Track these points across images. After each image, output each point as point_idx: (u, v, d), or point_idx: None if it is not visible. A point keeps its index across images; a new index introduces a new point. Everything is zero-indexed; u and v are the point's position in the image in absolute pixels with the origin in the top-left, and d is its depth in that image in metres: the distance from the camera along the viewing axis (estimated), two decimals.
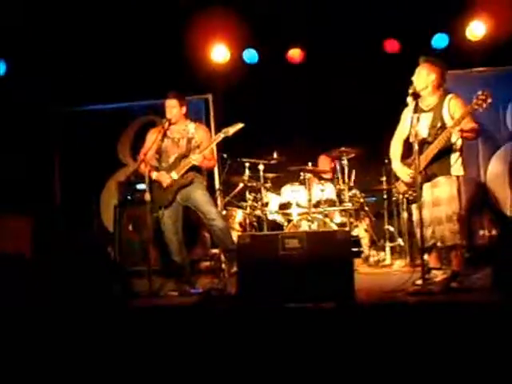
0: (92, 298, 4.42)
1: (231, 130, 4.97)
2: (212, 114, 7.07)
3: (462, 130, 4.30)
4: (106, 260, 5.30)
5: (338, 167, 6.49)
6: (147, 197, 4.87)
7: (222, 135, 5.01)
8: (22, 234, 6.03)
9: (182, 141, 5.10)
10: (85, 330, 3.82)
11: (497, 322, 3.51)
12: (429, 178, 4.47)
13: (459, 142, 4.47)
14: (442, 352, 3.32)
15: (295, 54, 6.92)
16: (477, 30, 6.46)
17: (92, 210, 6.87)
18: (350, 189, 6.33)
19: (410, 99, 4.44)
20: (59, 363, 3.50)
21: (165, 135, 5.08)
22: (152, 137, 5.11)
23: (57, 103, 7.05)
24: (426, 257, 4.51)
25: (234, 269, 4.81)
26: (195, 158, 4.97)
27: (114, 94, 6.92)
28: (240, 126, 4.97)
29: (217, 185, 6.69)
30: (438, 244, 4.51)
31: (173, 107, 5.08)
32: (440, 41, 6.61)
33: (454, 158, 4.48)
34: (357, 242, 6.11)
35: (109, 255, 5.81)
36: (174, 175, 5.00)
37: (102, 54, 6.70)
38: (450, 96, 4.50)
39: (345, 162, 6.32)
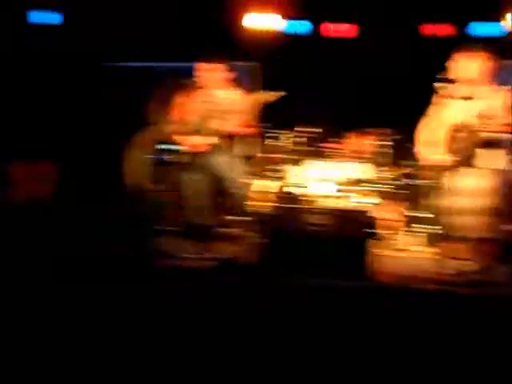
0: (120, 253, 4.49)
1: (270, 98, 4.92)
2: (256, 81, 7.00)
3: (503, 125, 4.24)
4: (139, 217, 5.35)
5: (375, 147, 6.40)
6: (175, 159, 4.87)
7: (258, 101, 4.96)
8: (47, 180, 6.16)
9: (219, 105, 5.07)
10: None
11: None
12: (466, 166, 4.38)
13: (503, 136, 4.36)
14: (462, 344, 3.30)
15: (342, 28, 6.82)
16: None
17: (119, 166, 6.89)
18: (388, 170, 6.24)
19: (441, 84, 4.38)
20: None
21: (203, 99, 5.07)
22: (186, 99, 5.11)
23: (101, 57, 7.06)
24: (453, 246, 4.47)
25: (254, 238, 4.83)
26: (227, 126, 4.96)
27: (155, 54, 6.89)
28: (280, 94, 4.92)
29: (245, 153, 6.64)
30: (469, 234, 4.43)
31: (213, 71, 5.05)
32: (488, 29, 6.43)
33: (498, 150, 4.39)
34: (382, 223, 6.04)
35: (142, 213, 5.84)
36: (206, 140, 4.99)
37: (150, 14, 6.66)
38: (502, 88, 4.42)
39: (387, 142, 6.21)
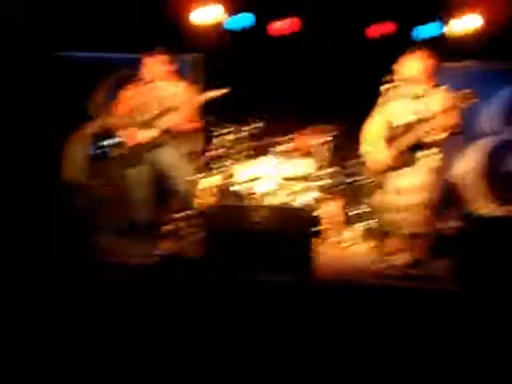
0: (56, 251, 4.41)
1: (213, 95, 4.90)
2: (197, 74, 6.97)
3: (443, 126, 4.33)
4: (72, 214, 5.25)
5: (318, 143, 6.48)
6: (116, 153, 4.80)
7: (201, 99, 4.94)
8: None
9: (162, 98, 5.01)
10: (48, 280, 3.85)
11: (452, 311, 3.61)
12: (403, 165, 4.48)
13: (440, 136, 4.46)
14: (394, 335, 3.39)
15: (286, 24, 6.84)
16: (468, 22, 6.43)
17: (55, 161, 6.72)
18: (326, 166, 6.32)
19: (388, 86, 4.48)
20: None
21: (144, 91, 5.01)
22: (128, 92, 5.02)
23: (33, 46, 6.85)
24: (389, 241, 4.57)
25: (197, 235, 4.83)
26: (169, 121, 4.91)
27: (94, 44, 6.74)
28: (223, 91, 4.90)
29: (189, 148, 6.61)
30: (403, 230, 4.54)
31: (156, 64, 5.00)
32: (430, 30, 6.57)
33: (432, 150, 4.48)
34: (322, 220, 6.12)
35: (75, 210, 5.73)
36: (147, 134, 4.93)
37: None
38: (440, 88, 4.49)
39: (327, 138, 6.28)
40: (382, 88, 4.49)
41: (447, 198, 6.08)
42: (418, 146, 4.45)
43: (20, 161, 6.61)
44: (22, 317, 3.46)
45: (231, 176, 6.14)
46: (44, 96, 6.81)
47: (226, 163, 6.19)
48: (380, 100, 4.65)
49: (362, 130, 4.78)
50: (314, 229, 4.51)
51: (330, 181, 6.23)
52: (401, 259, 4.54)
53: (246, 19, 6.82)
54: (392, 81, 4.48)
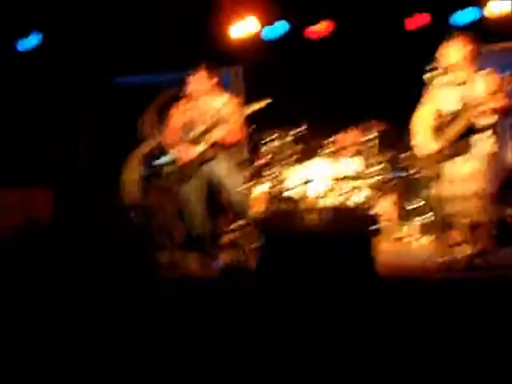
0: (121, 268, 4.47)
1: (257, 106, 4.97)
2: (240, 86, 7.04)
3: (491, 109, 4.23)
4: (134, 230, 5.34)
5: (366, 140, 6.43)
6: (170, 169, 4.90)
7: (247, 111, 5.02)
8: (43, 207, 6.11)
9: (209, 113, 5.09)
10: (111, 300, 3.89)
11: None
12: (456, 153, 4.40)
13: (491, 119, 4.37)
14: (465, 328, 3.30)
15: (322, 27, 6.84)
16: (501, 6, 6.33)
17: (113, 185, 6.89)
18: (378, 163, 6.26)
19: (430, 75, 4.42)
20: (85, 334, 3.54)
21: (192, 107, 5.11)
22: (178, 110, 5.14)
23: (85, 74, 7.06)
24: (450, 233, 4.47)
25: (255, 244, 4.83)
26: (217, 135, 4.97)
27: (142, 66, 6.90)
28: (267, 101, 4.97)
29: (237, 158, 6.66)
30: (464, 220, 4.44)
31: (202, 78, 5.09)
32: (468, 15, 6.46)
33: (485, 135, 4.39)
34: (379, 218, 6.05)
35: (135, 226, 5.85)
36: (197, 149, 5.02)
37: (128, 24, 6.68)
38: (484, 71, 4.42)
39: (373, 135, 6.24)
40: (426, 77, 4.41)
41: (507, 184, 5.93)
42: (471, 132, 4.36)
43: (78, 185, 6.81)
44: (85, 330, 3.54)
45: (283, 181, 6.15)
46: (99, 121, 7.01)
47: (276, 170, 6.22)
48: (425, 90, 4.59)
49: (410, 122, 4.72)
50: (373, 227, 4.41)
51: (380, 178, 6.17)
52: (464, 251, 4.43)
53: (281, 27, 6.87)
54: (435, 69, 4.41)
